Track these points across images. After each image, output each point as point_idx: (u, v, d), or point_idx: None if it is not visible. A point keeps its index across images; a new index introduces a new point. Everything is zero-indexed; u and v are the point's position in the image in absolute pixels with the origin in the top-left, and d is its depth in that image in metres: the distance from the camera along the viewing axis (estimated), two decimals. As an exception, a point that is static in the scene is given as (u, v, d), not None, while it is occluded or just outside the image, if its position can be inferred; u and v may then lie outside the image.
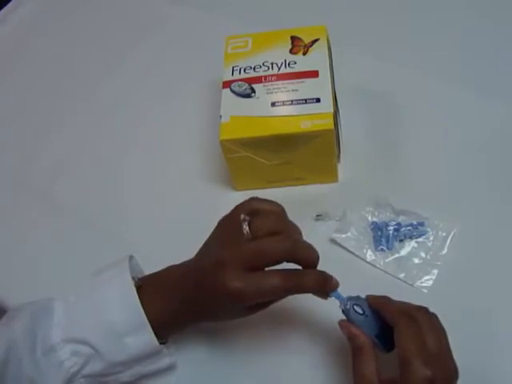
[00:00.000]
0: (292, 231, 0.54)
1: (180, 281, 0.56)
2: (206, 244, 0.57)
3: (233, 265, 0.51)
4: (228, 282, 0.50)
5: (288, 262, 0.53)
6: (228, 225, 0.55)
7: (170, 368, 0.59)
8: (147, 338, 0.54)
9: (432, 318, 0.51)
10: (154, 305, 0.54)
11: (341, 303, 0.54)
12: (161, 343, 0.56)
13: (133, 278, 0.56)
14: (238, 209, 0.55)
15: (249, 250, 0.51)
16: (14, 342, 0.54)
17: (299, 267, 0.54)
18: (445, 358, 0.49)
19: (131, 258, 0.60)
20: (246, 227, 0.52)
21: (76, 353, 0.53)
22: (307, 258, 0.53)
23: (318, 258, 0.53)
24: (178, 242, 0.69)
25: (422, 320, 0.49)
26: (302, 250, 0.53)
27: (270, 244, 0.51)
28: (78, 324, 0.54)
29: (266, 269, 0.52)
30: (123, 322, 0.53)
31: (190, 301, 0.54)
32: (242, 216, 0.53)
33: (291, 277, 0.52)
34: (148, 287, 0.56)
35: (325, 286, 0.53)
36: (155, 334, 0.54)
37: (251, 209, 0.54)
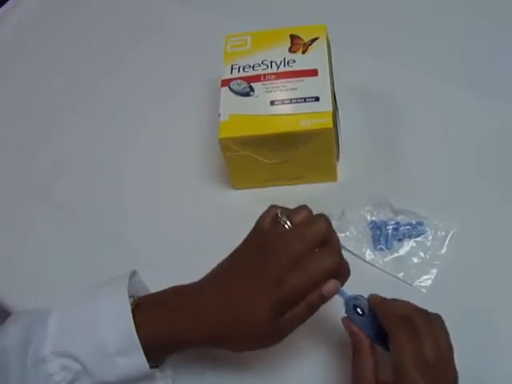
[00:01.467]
0: (336, 239, 0.55)
1: (184, 304, 0.54)
2: (224, 266, 0.55)
3: (270, 303, 0.49)
4: (265, 323, 0.49)
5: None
6: (255, 242, 0.54)
7: None
8: (138, 360, 0.51)
9: (433, 322, 0.50)
10: (151, 326, 0.52)
11: (344, 302, 0.54)
12: (154, 366, 0.54)
13: (132, 296, 0.54)
14: (263, 217, 0.54)
15: (288, 287, 0.50)
16: (4, 351, 0.53)
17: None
18: (443, 366, 0.47)
19: (134, 273, 0.58)
20: (284, 219, 0.52)
21: (65, 367, 0.51)
22: (346, 276, 0.53)
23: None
24: (178, 240, 0.70)
25: (421, 325, 0.48)
26: (345, 267, 0.53)
27: (315, 265, 0.51)
28: (70, 338, 0.53)
29: None
30: (114, 342, 0.51)
31: (195, 327, 0.52)
32: (279, 210, 0.53)
33: (315, 298, 0.51)
34: (147, 307, 0.54)
35: (336, 291, 0.53)
36: (149, 356, 0.51)
37: (275, 213, 0.53)
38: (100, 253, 0.71)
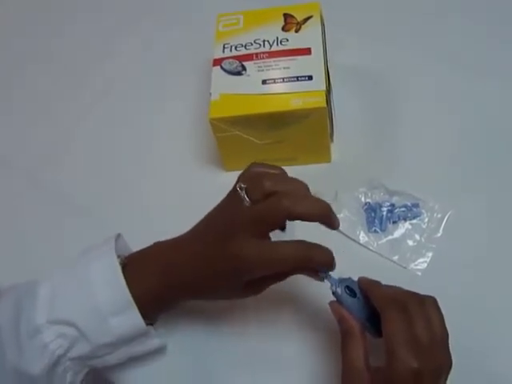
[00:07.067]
0: (291, 188, 0.52)
1: (170, 257, 0.55)
2: (206, 218, 0.55)
3: (240, 234, 0.50)
4: (239, 252, 0.49)
5: (294, 220, 0.50)
6: (229, 197, 0.54)
7: (159, 350, 0.58)
8: (133, 318, 0.52)
9: (427, 304, 0.49)
10: (141, 283, 0.53)
11: (332, 285, 0.52)
12: (149, 323, 0.55)
13: (118, 257, 0.54)
14: (238, 179, 0.54)
15: (248, 216, 0.50)
16: None
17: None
18: (437, 349, 0.46)
19: (118, 236, 0.58)
20: (243, 195, 0.51)
21: (61, 335, 0.52)
22: (311, 212, 0.50)
23: (326, 208, 0.51)
24: (167, 223, 0.68)
25: (413, 308, 0.47)
26: (304, 205, 0.50)
27: (265, 206, 0.50)
28: (63, 305, 0.53)
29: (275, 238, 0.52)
30: (108, 303, 0.52)
31: (183, 277, 0.53)
32: (239, 185, 0.52)
33: (302, 247, 0.50)
34: (134, 265, 0.55)
35: (332, 265, 0.51)
36: (142, 313, 0.52)
37: (250, 175, 0.53)
38: (90, 235, 0.68)
